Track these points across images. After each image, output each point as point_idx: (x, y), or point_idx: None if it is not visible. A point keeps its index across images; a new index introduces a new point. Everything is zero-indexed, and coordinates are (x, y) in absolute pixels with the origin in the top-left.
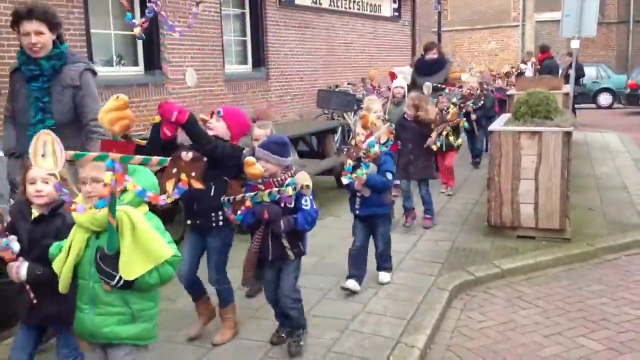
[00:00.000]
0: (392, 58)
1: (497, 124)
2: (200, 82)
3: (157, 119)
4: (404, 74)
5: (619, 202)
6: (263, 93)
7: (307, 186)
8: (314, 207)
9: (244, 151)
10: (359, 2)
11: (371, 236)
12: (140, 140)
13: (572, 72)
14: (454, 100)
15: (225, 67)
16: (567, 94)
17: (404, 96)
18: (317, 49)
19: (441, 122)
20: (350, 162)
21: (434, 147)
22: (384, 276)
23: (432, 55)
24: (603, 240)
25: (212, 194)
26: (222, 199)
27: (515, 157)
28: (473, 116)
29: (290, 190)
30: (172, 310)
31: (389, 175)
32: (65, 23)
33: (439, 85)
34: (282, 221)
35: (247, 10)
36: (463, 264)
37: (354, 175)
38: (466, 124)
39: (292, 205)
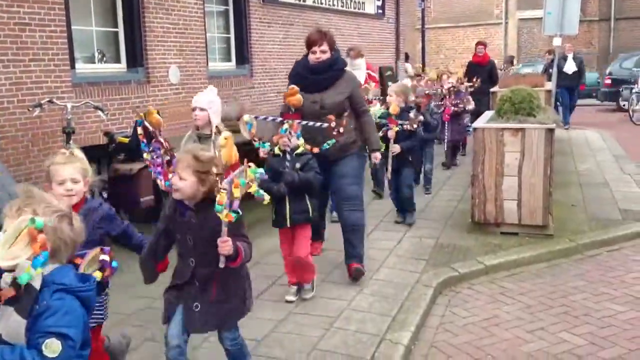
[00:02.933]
0: (376, 56)
1: (481, 121)
2: (183, 79)
3: (140, 116)
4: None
5: (601, 199)
6: (247, 90)
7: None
8: None
9: None
10: None
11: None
12: (122, 138)
13: (554, 69)
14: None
15: (209, 64)
16: (549, 91)
17: (208, 126)
18: (301, 46)
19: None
20: None
21: (224, 254)
22: None
23: (320, 54)
24: (585, 236)
25: None
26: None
27: (499, 154)
28: (394, 149)
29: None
30: (154, 308)
31: None
32: (45, 20)
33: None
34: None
35: (230, 7)
36: (447, 260)
37: None
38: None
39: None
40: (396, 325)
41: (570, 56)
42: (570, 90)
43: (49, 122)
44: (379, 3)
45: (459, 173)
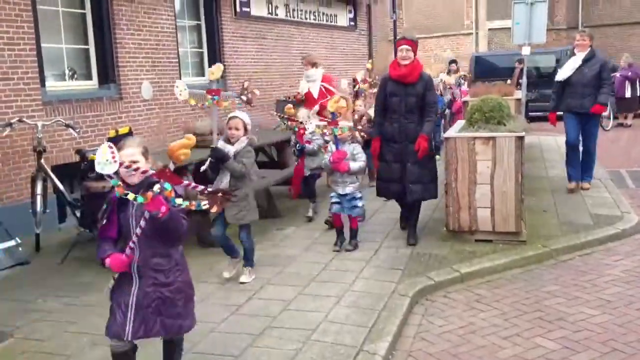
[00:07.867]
0: (349, 68)
1: (453, 131)
2: (156, 95)
3: (112, 133)
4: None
5: (572, 204)
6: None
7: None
8: None
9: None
10: (315, 12)
11: None
12: (94, 156)
13: (523, 79)
14: None
15: (182, 79)
16: (519, 100)
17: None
18: (274, 60)
19: None
20: None
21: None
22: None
23: None
24: (557, 241)
25: None
26: None
27: (471, 163)
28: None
29: None
30: None
31: None
32: (14, 38)
33: None
34: None
35: (202, 22)
36: (423, 269)
37: None
38: None
39: None
40: (373, 335)
41: (580, 56)
42: (580, 118)
43: (20, 142)
44: (351, 15)
45: None
